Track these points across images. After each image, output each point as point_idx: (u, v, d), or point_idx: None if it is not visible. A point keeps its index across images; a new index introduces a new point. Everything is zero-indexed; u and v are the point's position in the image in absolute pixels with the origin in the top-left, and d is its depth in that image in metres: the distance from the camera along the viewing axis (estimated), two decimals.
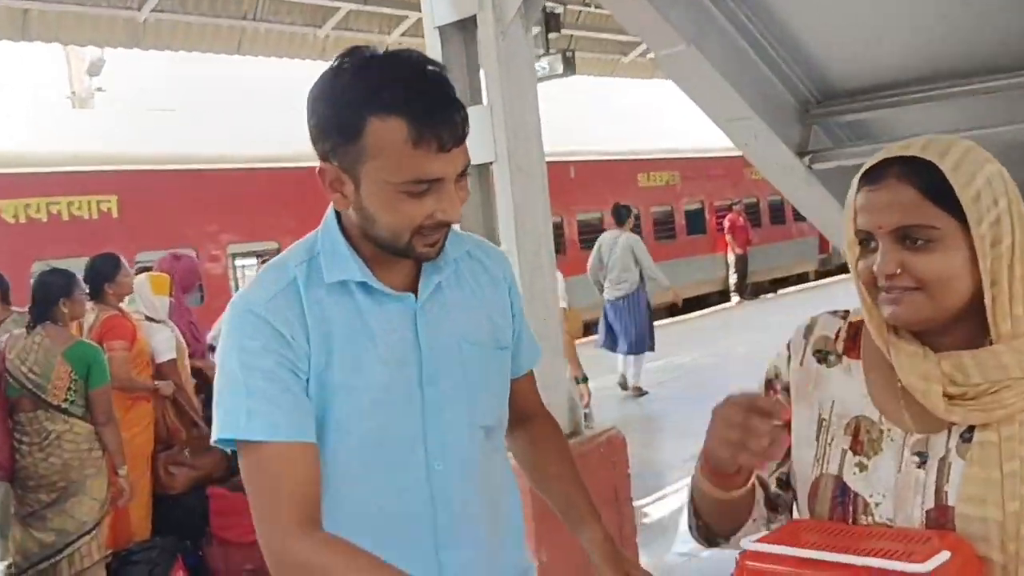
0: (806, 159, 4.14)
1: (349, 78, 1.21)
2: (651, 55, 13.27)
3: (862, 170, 1.11)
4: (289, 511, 1.19)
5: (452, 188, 1.23)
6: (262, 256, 6.62)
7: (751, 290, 16.26)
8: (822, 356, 1.23)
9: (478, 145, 2.84)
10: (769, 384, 1.29)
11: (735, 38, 3.26)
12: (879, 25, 3.20)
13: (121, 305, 4.56)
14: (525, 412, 1.55)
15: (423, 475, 1.33)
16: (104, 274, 4.46)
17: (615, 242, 8.41)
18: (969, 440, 1.07)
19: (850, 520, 1.12)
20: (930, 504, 1.07)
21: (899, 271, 1.06)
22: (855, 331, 1.22)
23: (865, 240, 1.10)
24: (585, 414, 6.70)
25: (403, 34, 10.52)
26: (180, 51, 9.81)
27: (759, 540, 1.05)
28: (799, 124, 3.72)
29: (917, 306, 1.06)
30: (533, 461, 1.56)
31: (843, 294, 12.42)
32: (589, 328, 9.38)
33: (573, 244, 13.62)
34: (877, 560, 0.94)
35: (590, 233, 12.06)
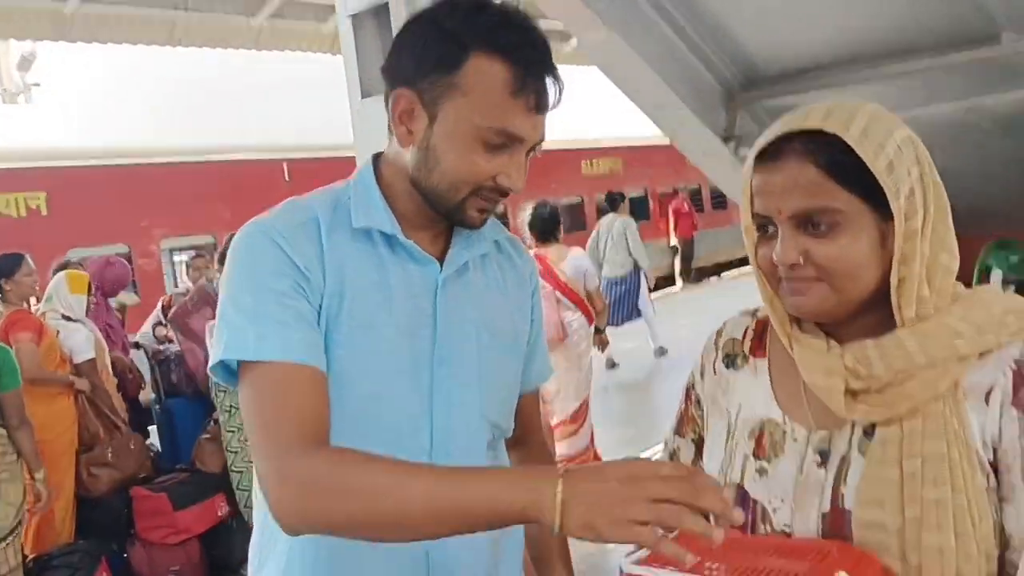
0: (732, 144, 4.16)
1: (461, 12, 1.15)
2: None
3: (757, 147, 1.02)
4: (297, 429, 1.07)
5: (523, 157, 1.17)
6: (198, 250, 6.49)
7: (695, 275, 16.40)
8: (730, 360, 1.18)
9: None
10: (688, 393, 1.25)
11: (658, 24, 3.24)
12: (802, 10, 3.21)
13: (25, 305, 4.50)
14: (523, 433, 1.42)
15: (425, 460, 1.22)
16: (3, 272, 4.37)
17: (612, 225, 9.27)
18: (872, 437, 1.00)
19: (749, 530, 1.05)
20: (826, 507, 1.01)
21: (801, 260, 0.98)
22: (762, 328, 1.17)
23: (763, 225, 1.02)
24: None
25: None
26: (109, 43, 9.58)
27: (640, 563, 0.95)
28: (724, 110, 3.72)
29: (821, 297, 0.99)
30: None
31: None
32: None
33: (516, 233, 13.55)
34: None
35: None
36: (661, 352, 9.24)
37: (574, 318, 4.84)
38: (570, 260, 4.91)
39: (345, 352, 1.17)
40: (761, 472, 1.08)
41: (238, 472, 4.32)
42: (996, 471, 0.95)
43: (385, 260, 1.21)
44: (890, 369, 0.97)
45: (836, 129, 0.95)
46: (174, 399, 5.21)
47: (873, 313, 1.01)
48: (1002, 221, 3.94)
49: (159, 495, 4.30)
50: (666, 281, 16.61)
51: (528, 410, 1.44)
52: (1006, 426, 0.94)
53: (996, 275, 3.41)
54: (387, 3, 2.78)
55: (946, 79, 3.31)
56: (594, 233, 9.49)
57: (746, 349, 1.17)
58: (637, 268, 9.17)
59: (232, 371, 1.15)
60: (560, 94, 1.16)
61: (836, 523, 1.00)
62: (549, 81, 1.15)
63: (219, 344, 1.14)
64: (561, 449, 4.77)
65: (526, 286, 1.38)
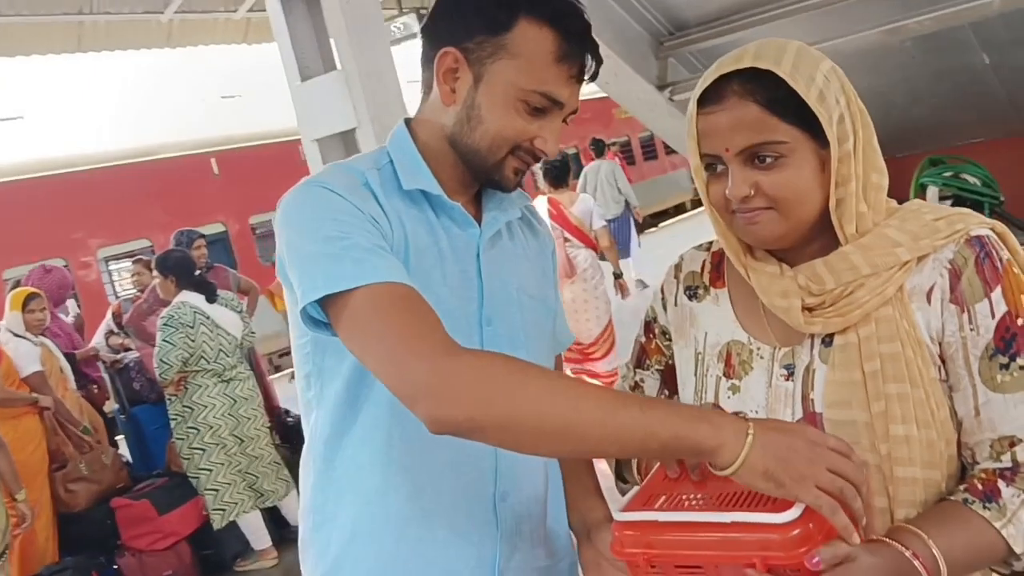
0: (666, 92, 4.23)
1: None
2: None
3: (698, 90, 1.07)
4: (442, 333, 1.03)
5: (559, 122, 1.20)
6: (136, 257, 6.37)
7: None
8: (692, 292, 1.25)
9: (339, 112, 2.79)
10: (648, 327, 1.31)
11: None
12: None
13: None
14: None
15: None
16: None
17: (599, 170, 9.86)
18: (830, 345, 1.08)
19: None
20: (799, 413, 1.08)
21: (752, 192, 1.04)
22: (718, 260, 1.24)
23: (712, 164, 1.09)
24: None
25: (249, 10, 10.18)
26: (17, 55, 9.26)
27: (625, 509, 1.02)
28: (655, 58, 3.78)
29: (772, 224, 1.06)
30: None
31: (658, 243, 12.22)
32: None
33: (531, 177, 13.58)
34: (741, 514, 0.93)
35: None
36: (643, 285, 9.82)
37: (578, 252, 5.18)
38: (578, 203, 5.34)
39: None
40: (734, 390, 1.16)
41: (206, 471, 4.31)
42: (943, 363, 1.04)
43: (433, 223, 1.23)
44: (840, 282, 1.05)
45: (769, 66, 1.01)
46: (139, 407, 5.17)
47: (818, 237, 1.08)
48: (932, 140, 4.10)
49: (141, 502, 4.29)
50: None
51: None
52: (947, 321, 1.03)
53: (932, 192, 3.55)
54: None
55: (865, 6, 3.42)
56: (581, 179, 9.93)
57: (706, 281, 1.25)
58: (628, 208, 9.83)
59: (317, 321, 1.11)
60: (597, 68, 1.20)
61: (811, 425, 1.08)
62: (591, 51, 1.19)
63: (309, 282, 1.08)
64: (597, 368, 5.19)
65: (547, 256, 1.42)
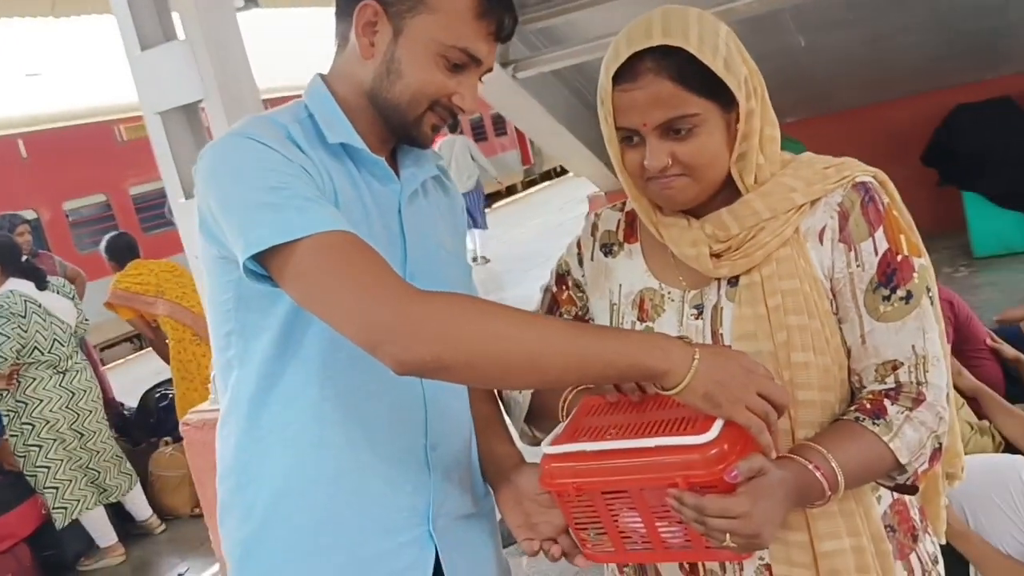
0: (510, 69, 4.32)
1: None
2: None
3: (612, 66, 1.12)
4: (394, 277, 1.03)
5: (476, 80, 1.20)
6: None
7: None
8: (607, 248, 1.33)
9: (184, 84, 2.67)
10: (561, 279, 1.38)
11: None
12: None
13: None
14: None
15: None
16: None
17: (453, 145, 10.14)
18: (736, 285, 1.18)
19: None
20: None
21: (670, 162, 1.12)
22: (631, 218, 1.32)
23: (627, 136, 1.15)
24: None
25: None
26: None
27: (553, 443, 1.08)
28: None
29: (687, 189, 1.14)
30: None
31: (549, 199, 13.10)
32: None
33: None
34: (663, 439, 1.00)
35: None
36: (485, 260, 10.51)
37: None
38: None
39: None
40: (648, 331, 1.25)
41: (44, 468, 4.07)
42: (834, 297, 1.15)
43: (356, 177, 1.21)
44: (744, 227, 1.14)
45: (679, 42, 1.07)
46: None
47: (721, 191, 1.17)
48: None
49: None
50: None
51: None
52: (837, 258, 1.14)
53: None
54: None
55: None
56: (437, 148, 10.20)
57: (620, 237, 1.33)
58: (478, 184, 10.59)
59: (258, 274, 1.08)
60: (513, 27, 1.21)
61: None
62: (511, 10, 1.19)
63: (253, 233, 1.05)
64: None
65: (458, 211, 1.43)
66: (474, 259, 10.41)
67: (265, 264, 1.06)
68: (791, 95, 5.12)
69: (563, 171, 17.62)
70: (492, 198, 17.65)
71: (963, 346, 2.79)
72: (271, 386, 1.18)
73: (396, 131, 1.23)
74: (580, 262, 1.36)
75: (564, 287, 1.38)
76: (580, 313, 1.36)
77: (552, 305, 1.39)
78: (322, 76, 1.26)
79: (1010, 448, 2.39)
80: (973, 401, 2.49)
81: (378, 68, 1.19)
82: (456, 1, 1.14)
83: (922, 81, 5.38)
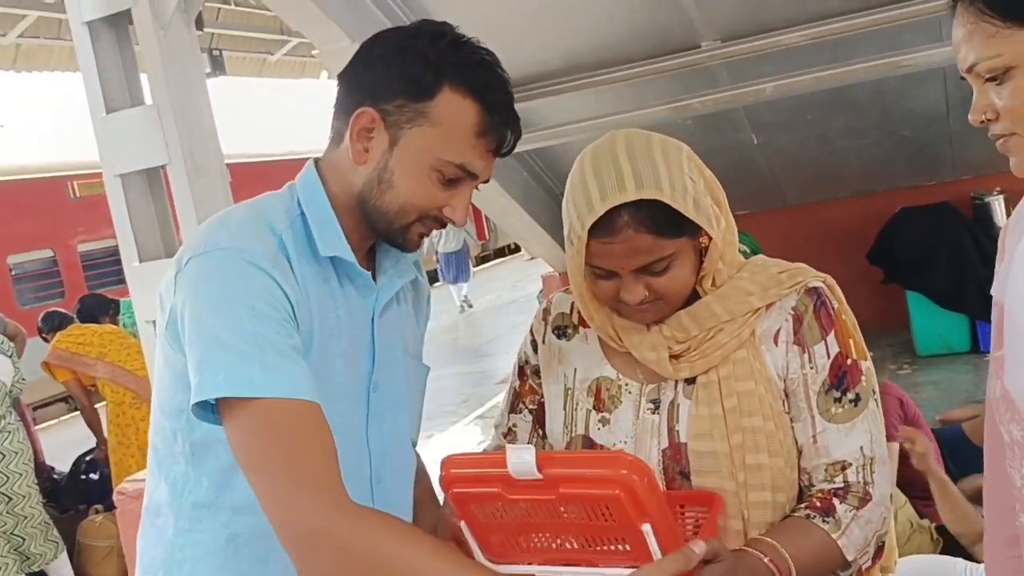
0: None
1: (442, 43, 1.12)
2: (307, 53, 13.18)
3: (587, 220, 1.11)
4: (331, 479, 0.99)
5: (470, 192, 1.17)
6: None
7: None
8: (561, 331, 1.34)
9: (148, 148, 2.67)
10: (521, 370, 1.39)
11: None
12: (526, 22, 3.47)
13: None
14: None
15: (367, 490, 1.22)
16: None
17: None
18: (694, 383, 1.20)
19: None
20: (665, 444, 1.20)
21: (646, 294, 1.15)
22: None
23: (601, 273, 1.17)
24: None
25: (20, 36, 9.52)
26: None
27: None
28: None
29: (660, 311, 1.19)
30: None
31: (503, 275, 13.72)
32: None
33: None
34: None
35: None
36: (469, 306, 12.76)
37: None
38: None
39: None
40: (603, 422, 1.26)
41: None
42: (787, 397, 1.19)
43: (335, 291, 1.19)
44: (702, 328, 1.18)
45: (654, 194, 1.09)
46: None
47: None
48: None
49: None
50: None
51: None
52: (791, 360, 1.18)
53: None
54: (128, 10, 2.66)
55: (655, 83, 3.74)
56: None
57: (575, 320, 1.35)
58: (464, 245, 12.86)
59: (205, 410, 1.04)
60: (515, 143, 1.19)
61: (675, 455, 1.19)
62: (513, 128, 1.17)
63: (207, 379, 1.01)
64: None
65: (423, 306, 1.41)
66: (461, 308, 12.68)
67: (216, 403, 1.03)
68: (744, 189, 5.26)
69: (517, 248, 17.78)
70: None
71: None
72: (222, 493, 1.14)
73: (381, 236, 1.21)
74: (535, 348, 1.37)
75: (524, 377, 1.39)
76: (542, 400, 1.36)
77: (515, 401, 1.39)
78: (316, 163, 1.22)
79: (947, 548, 2.41)
80: (915, 500, 2.52)
81: (370, 175, 1.16)
82: (460, 116, 1.11)
83: (870, 182, 5.59)
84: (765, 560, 1.07)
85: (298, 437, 1.01)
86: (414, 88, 1.11)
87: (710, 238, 1.16)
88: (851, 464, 1.16)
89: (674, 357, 1.20)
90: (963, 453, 2.92)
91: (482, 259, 19.42)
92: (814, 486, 1.18)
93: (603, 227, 1.11)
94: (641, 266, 1.13)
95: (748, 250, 3.75)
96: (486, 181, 1.19)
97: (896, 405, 2.74)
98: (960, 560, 2.19)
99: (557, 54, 3.72)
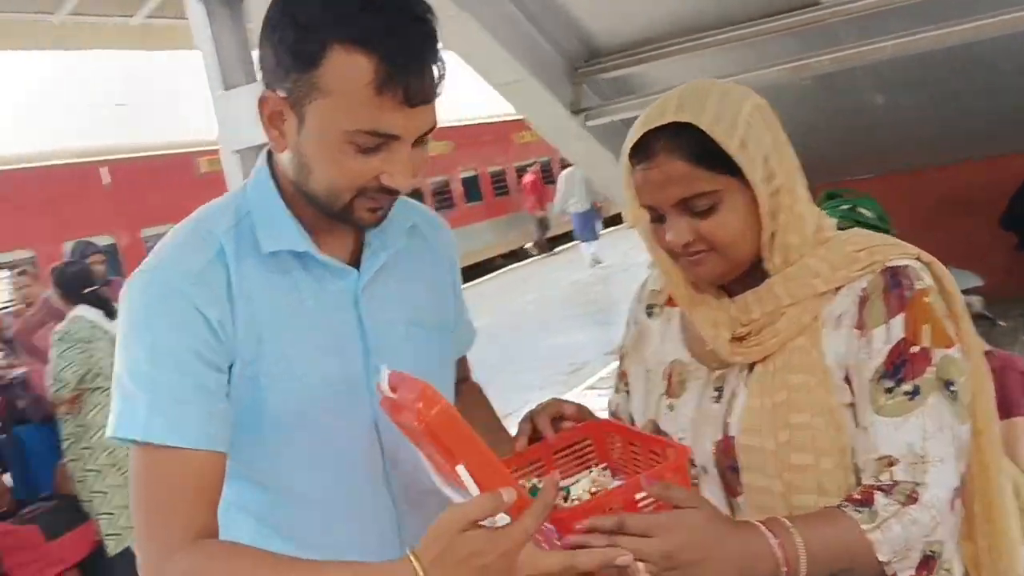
0: (580, 117, 4.33)
1: (318, 0, 1.01)
2: None
3: (629, 146, 1.11)
4: (182, 528, 1.03)
5: (407, 151, 1.05)
6: (17, 267, 5.99)
7: (549, 245, 17.27)
8: (650, 309, 1.31)
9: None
10: (621, 353, 1.36)
11: (503, 2, 3.34)
12: None
13: None
14: (459, 383, 1.42)
15: (380, 473, 1.20)
16: None
17: (573, 176, 13.28)
18: (753, 371, 1.13)
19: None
20: (719, 436, 1.14)
21: (691, 238, 1.09)
22: None
23: (652, 212, 1.13)
24: None
25: (149, 16, 9.89)
26: None
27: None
28: (570, 83, 3.85)
29: (714, 264, 1.11)
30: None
31: (615, 238, 13.82)
32: None
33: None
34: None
35: None
36: (597, 262, 13.46)
37: None
38: None
39: (275, 394, 1.13)
40: (671, 408, 1.21)
41: (100, 494, 4.13)
42: (850, 385, 1.08)
43: (299, 282, 1.14)
44: (764, 311, 1.11)
45: (691, 119, 1.05)
46: (23, 426, 4.89)
47: (758, 267, 1.13)
48: (829, 173, 4.30)
49: (28, 527, 4.05)
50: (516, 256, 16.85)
51: (462, 367, 1.45)
52: (849, 345, 1.08)
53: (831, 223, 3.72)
54: None
55: (771, 43, 3.59)
56: (560, 182, 14.06)
57: (662, 300, 1.31)
58: (591, 206, 13.58)
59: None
60: (441, 79, 1.05)
61: (726, 449, 1.13)
62: (423, 66, 1.03)
63: (112, 414, 1.08)
64: None
65: (443, 263, 1.34)
66: (592, 263, 13.53)
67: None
68: (867, 151, 5.04)
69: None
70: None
71: None
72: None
73: (332, 219, 1.12)
74: (627, 327, 1.35)
75: (623, 357, 1.36)
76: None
77: (617, 381, 1.36)
78: (270, 157, 1.16)
79: None
80: None
81: (292, 161, 1.09)
82: (352, 77, 0.99)
83: (1001, 143, 5.25)
84: (772, 540, 0.96)
85: (157, 485, 1.05)
86: (299, 57, 1.01)
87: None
88: (898, 461, 1.03)
89: (736, 340, 1.13)
90: None
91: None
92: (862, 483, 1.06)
93: (642, 150, 1.10)
94: (680, 199, 1.07)
95: (873, 215, 3.58)
96: (430, 130, 1.07)
97: (1021, 381, 2.57)
98: None
99: (667, 17, 3.61)
